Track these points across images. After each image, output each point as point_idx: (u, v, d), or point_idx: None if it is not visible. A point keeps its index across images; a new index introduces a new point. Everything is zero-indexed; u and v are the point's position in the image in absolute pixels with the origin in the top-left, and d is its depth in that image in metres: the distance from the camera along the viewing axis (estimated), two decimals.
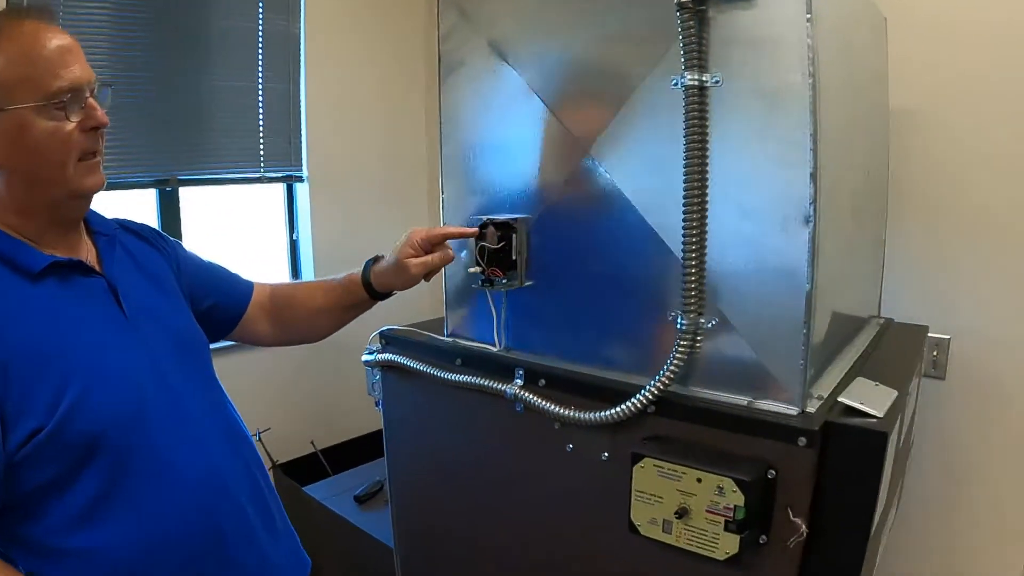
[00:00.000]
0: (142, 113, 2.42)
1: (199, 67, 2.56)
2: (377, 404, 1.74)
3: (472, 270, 1.35)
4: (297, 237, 3.01)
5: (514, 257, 1.35)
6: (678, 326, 1.17)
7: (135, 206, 2.54)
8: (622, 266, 1.28)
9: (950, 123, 1.96)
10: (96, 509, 0.91)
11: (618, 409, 1.21)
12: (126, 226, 1.20)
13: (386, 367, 1.63)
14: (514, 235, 1.34)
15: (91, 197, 1.02)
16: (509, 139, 1.39)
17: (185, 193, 2.66)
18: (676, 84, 1.14)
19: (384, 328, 1.66)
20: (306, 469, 2.64)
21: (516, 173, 1.39)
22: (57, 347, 0.90)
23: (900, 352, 1.62)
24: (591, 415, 1.24)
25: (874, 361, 1.47)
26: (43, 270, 0.93)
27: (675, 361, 1.17)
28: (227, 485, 1.04)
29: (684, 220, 1.14)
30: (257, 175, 2.79)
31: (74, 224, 1.03)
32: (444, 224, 1.52)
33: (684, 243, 1.15)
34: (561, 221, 1.34)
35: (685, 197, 1.13)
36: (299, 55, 2.82)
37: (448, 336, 1.58)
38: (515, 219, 1.35)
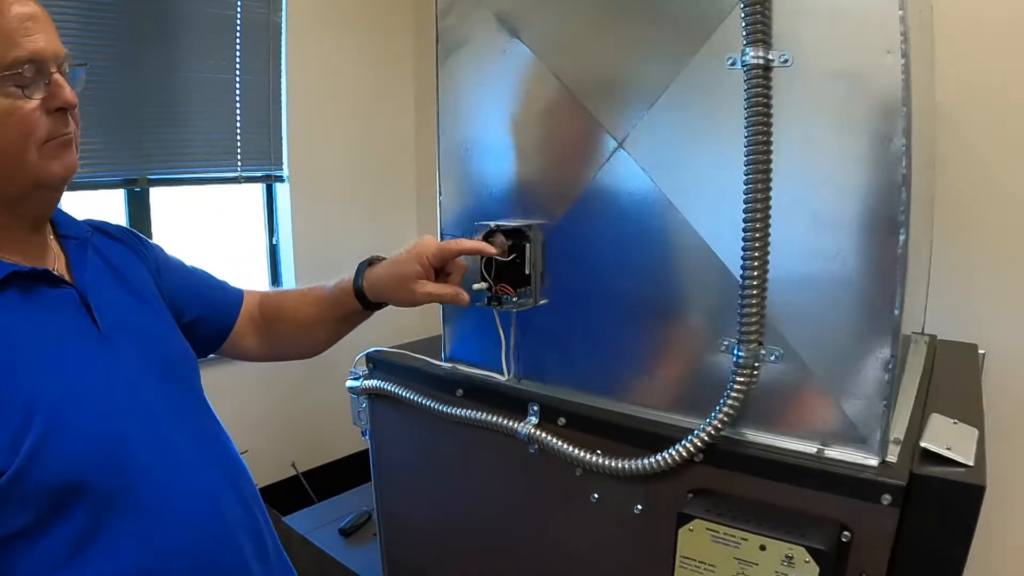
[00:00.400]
0: (109, 105, 2.24)
1: (172, 56, 2.39)
2: (364, 434, 1.50)
3: (477, 286, 1.12)
4: (277, 242, 2.79)
5: (527, 271, 1.12)
6: (735, 358, 0.96)
7: (101, 208, 2.36)
8: (661, 283, 1.06)
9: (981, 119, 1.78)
10: (73, 561, 0.78)
11: (659, 458, 0.99)
12: (100, 228, 1.02)
13: (374, 395, 1.39)
14: (528, 244, 1.12)
15: (60, 188, 0.87)
16: (521, 130, 1.17)
17: (156, 194, 2.49)
18: (733, 63, 0.93)
19: (371, 350, 1.43)
20: (287, 494, 2.41)
21: (529, 171, 1.16)
22: (18, 373, 0.77)
23: (959, 377, 1.43)
24: (624, 463, 1.02)
25: (937, 389, 1.28)
26: (1, 281, 0.80)
27: (730, 400, 0.96)
28: (226, 526, 0.91)
29: (745, 228, 0.92)
30: (234, 174, 2.62)
31: (39, 225, 0.89)
32: (442, 233, 1.28)
33: (744, 256, 0.93)
34: (585, 228, 1.12)
35: (746, 201, 0.91)
36: (280, 45, 2.66)
37: (446, 361, 1.35)
38: (528, 226, 1.13)
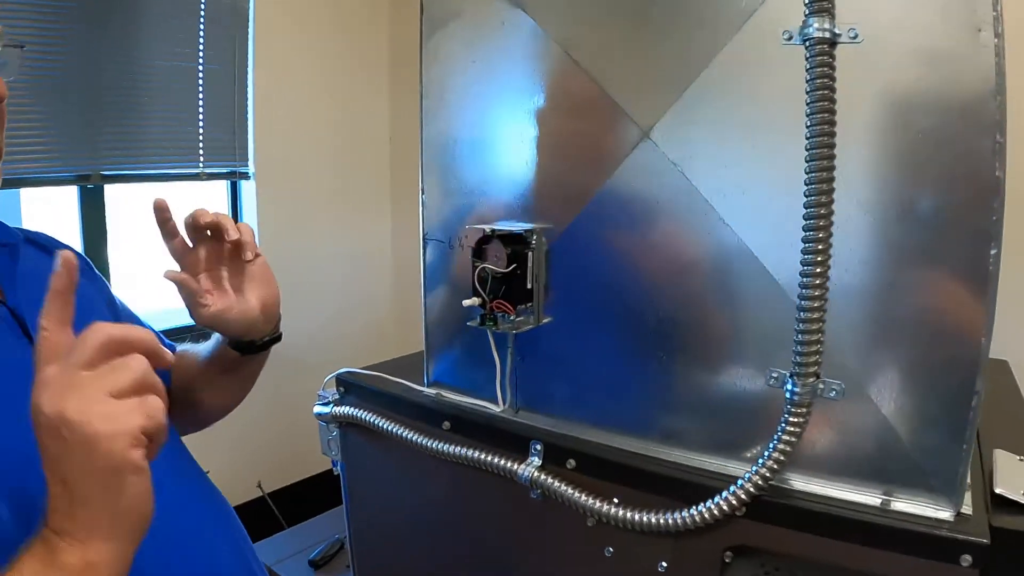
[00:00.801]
0: (60, 94, 2.02)
1: (130, 42, 2.16)
2: (335, 465, 1.30)
3: (468, 303, 0.94)
4: None
5: (529, 285, 0.93)
6: (788, 393, 0.80)
7: (51, 206, 2.15)
8: (695, 301, 0.90)
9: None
10: None
11: (694, 512, 0.82)
12: (34, 240, 0.82)
13: (345, 423, 1.19)
14: (530, 253, 0.93)
15: None
16: (522, 118, 0.98)
17: (112, 191, 2.27)
18: (790, 38, 0.76)
19: (342, 371, 1.23)
20: (253, 518, 2.19)
21: (532, 166, 0.98)
22: None
23: (1002, 400, 1.26)
24: (651, 517, 0.85)
25: (984, 416, 1.10)
26: None
27: (781, 445, 0.80)
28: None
29: (807, 237, 0.76)
30: (196, 171, 2.41)
31: None
32: (425, 238, 1.09)
33: (804, 271, 0.77)
34: (600, 233, 0.94)
35: (809, 204, 0.75)
36: (247, 32, 2.44)
37: (429, 386, 1.16)
38: (530, 231, 0.94)
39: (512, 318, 0.96)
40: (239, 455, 2.45)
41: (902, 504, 0.79)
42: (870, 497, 0.80)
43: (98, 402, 0.46)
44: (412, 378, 1.18)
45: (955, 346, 0.76)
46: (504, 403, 1.04)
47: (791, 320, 0.80)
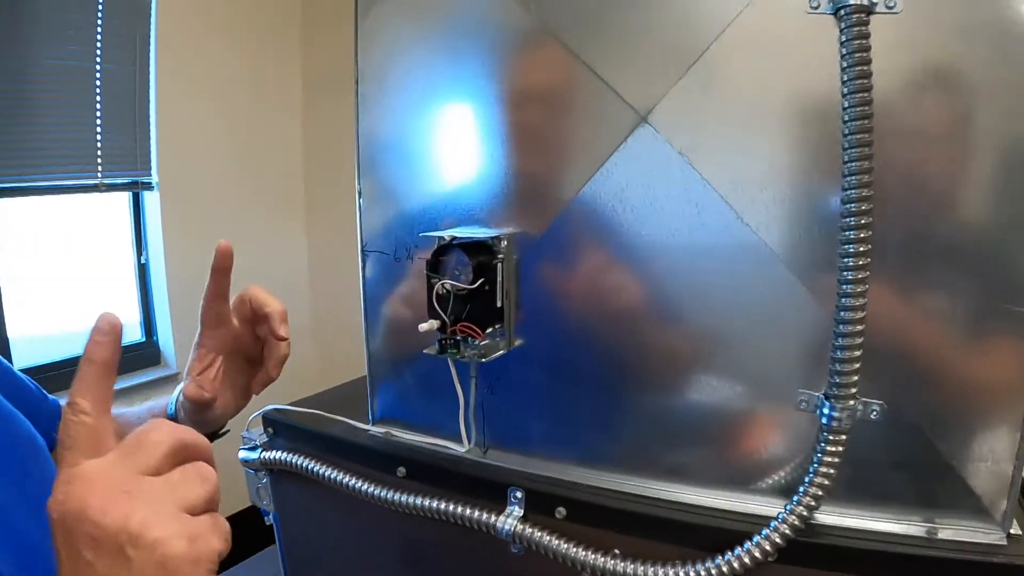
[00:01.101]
0: None
1: (17, 38, 1.95)
2: (265, 515, 1.11)
3: (425, 327, 0.76)
4: (147, 260, 2.31)
5: (499, 303, 0.77)
6: (824, 419, 0.68)
7: None
8: (705, 315, 0.75)
9: None
10: None
11: (721, 563, 0.69)
12: None
13: (277, 470, 1.00)
14: (500, 265, 0.77)
15: None
16: (484, 103, 0.81)
17: None
18: (818, 7, 0.63)
19: (268, 408, 1.03)
20: None
21: (497, 160, 0.82)
22: None
23: None
24: (666, 571, 0.69)
25: None
26: None
27: (819, 477, 0.68)
28: None
29: (845, 239, 0.62)
30: (94, 182, 2.20)
31: None
32: (364, 251, 0.91)
33: (843, 279, 0.64)
34: (584, 239, 0.79)
35: (848, 200, 0.61)
36: (149, 28, 2.24)
37: (375, 423, 0.98)
38: (498, 238, 0.77)
39: (477, 343, 0.79)
40: None
41: (949, 531, 0.69)
42: (912, 527, 0.70)
43: (174, 518, 0.39)
44: (353, 415, 1.00)
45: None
46: (470, 442, 0.87)
47: (823, 335, 0.68)
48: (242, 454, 1.05)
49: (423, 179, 0.86)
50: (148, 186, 2.32)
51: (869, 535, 0.69)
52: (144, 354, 2.38)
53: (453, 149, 0.83)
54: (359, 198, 0.92)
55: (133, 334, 2.40)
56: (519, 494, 0.80)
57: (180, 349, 2.34)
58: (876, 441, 0.70)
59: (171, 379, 2.32)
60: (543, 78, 0.77)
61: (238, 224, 2.51)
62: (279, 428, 1.03)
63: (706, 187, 0.70)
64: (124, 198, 2.36)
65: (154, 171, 2.30)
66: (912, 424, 0.68)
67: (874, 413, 0.68)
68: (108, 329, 0.42)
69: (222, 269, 0.63)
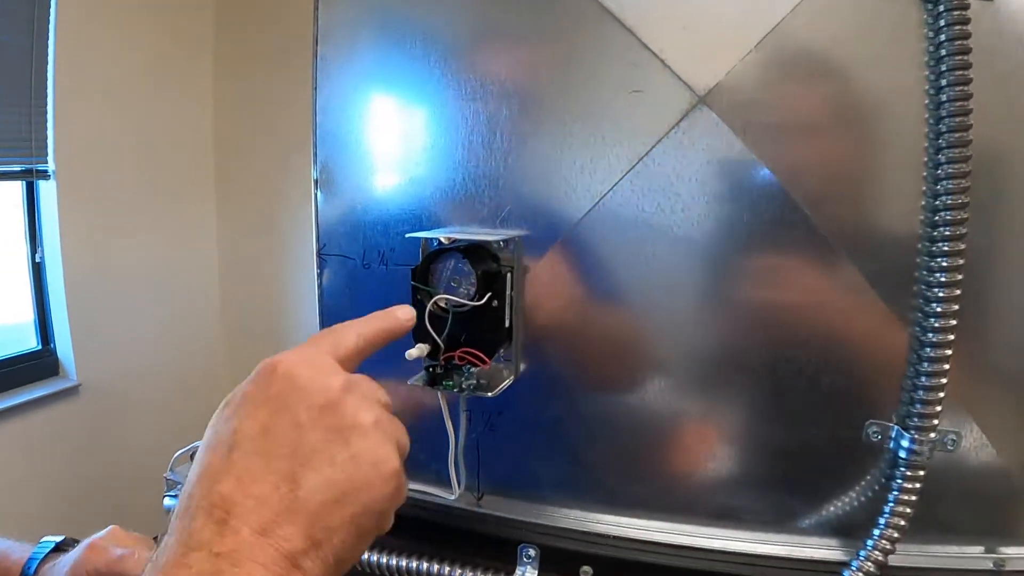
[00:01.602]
0: None
1: None
2: None
3: (415, 354, 0.58)
4: (42, 258, 2.02)
5: (508, 322, 0.60)
6: (903, 452, 0.59)
7: None
8: (763, 334, 0.62)
9: None
10: None
11: None
12: None
13: None
14: (509, 275, 0.60)
15: None
16: (491, 71, 0.64)
17: None
18: None
19: (196, 444, 0.82)
20: None
21: (504, 144, 0.63)
22: None
23: None
24: None
25: None
26: None
27: (895, 518, 0.59)
28: None
29: (939, 250, 0.52)
30: None
31: None
32: (320, 253, 0.73)
33: (936, 296, 0.55)
34: (617, 241, 0.63)
35: (946, 206, 0.48)
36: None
37: None
38: (507, 241, 0.60)
39: (472, 370, 0.62)
40: (60, 531, 1.90)
41: (1019, 562, 0.62)
42: (978, 560, 0.63)
43: (396, 450, 0.40)
44: None
45: None
46: (459, 487, 0.70)
47: (899, 358, 0.58)
48: (167, 502, 0.84)
49: (404, 164, 0.67)
50: (44, 174, 2.05)
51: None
52: (40, 364, 2.08)
53: (446, 125, 0.65)
54: (316, 189, 0.72)
55: (27, 341, 2.09)
56: (532, 552, 0.64)
57: (80, 358, 2.05)
58: (946, 470, 0.61)
59: (71, 392, 2.03)
60: (572, 47, 0.61)
61: (145, 215, 2.24)
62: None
63: (770, 182, 0.56)
64: (16, 188, 2.06)
65: (51, 158, 2.04)
66: (987, 449, 0.58)
67: (951, 443, 0.59)
68: (402, 319, 0.48)
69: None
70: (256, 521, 0.32)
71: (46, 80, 2.02)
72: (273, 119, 2.26)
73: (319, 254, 0.74)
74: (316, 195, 0.72)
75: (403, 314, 0.47)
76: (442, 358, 0.61)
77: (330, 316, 0.75)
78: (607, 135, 0.60)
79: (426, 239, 0.62)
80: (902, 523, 0.58)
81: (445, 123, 0.65)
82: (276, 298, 2.38)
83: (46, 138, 2.03)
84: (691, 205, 0.59)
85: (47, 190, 2.04)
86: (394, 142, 0.68)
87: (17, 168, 2.01)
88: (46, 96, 2.03)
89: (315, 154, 0.71)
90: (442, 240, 0.59)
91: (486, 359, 0.59)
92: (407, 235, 0.62)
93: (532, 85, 0.62)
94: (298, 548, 0.33)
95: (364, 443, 0.37)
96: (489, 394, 0.60)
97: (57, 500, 1.97)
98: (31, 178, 2.05)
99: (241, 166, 2.39)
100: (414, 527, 0.69)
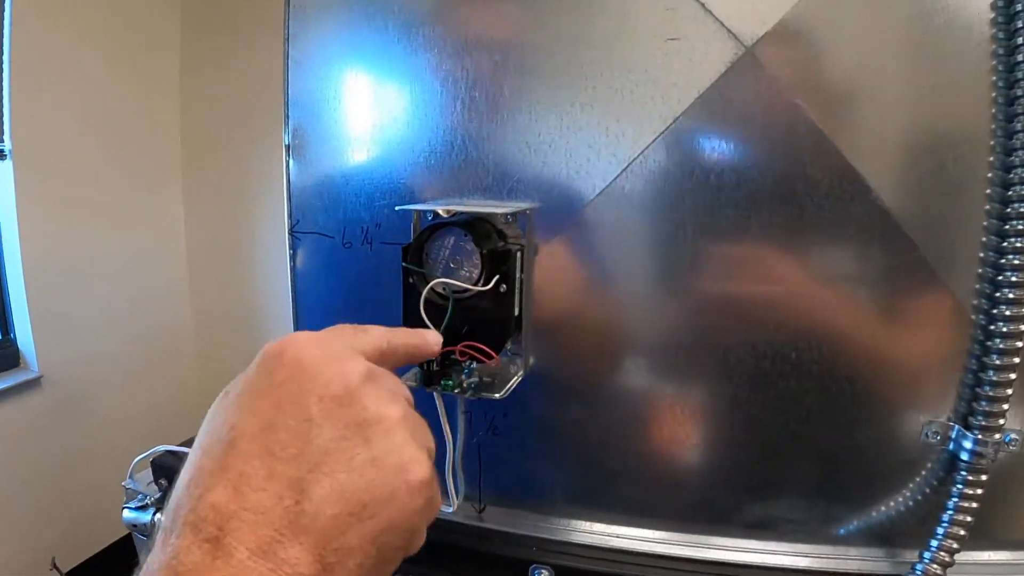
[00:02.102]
0: None
1: None
2: None
3: None
4: None
5: (517, 310, 0.50)
6: (965, 454, 0.51)
7: None
8: (810, 321, 0.52)
9: None
10: None
11: None
12: None
13: None
14: (520, 255, 0.49)
15: None
16: (494, 15, 0.53)
17: None
18: None
19: (159, 449, 0.73)
20: None
21: (515, 90, 0.53)
22: None
23: None
24: None
25: None
26: None
27: (954, 526, 0.52)
28: None
29: (1013, 231, 0.40)
30: None
31: None
32: (292, 231, 0.63)
33: (1004, 281, 0.46)
34: (647, 212, 0.52)
35: (1016, 172, 0.39)
36: None
37: None
38: (514, 216, 0.50)
39: (472, 367, 0.52)
40: (23, 532, 1.79)
41: None
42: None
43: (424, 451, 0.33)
44: None
45: None
46: (457, 498, 0.60)
47: (960, 352, 0.51)
48: (127, 515, 0.73)
49: (391, 125, 0.56)
50: (0, 154, 1.86)
51: None
52: (0, 355, 1.93)
53: (443, 77, 0.54)
54: (287, 156, 0.61)
55: None
56: (545, 574, 0.54)
57: (42, 348, 1.91)
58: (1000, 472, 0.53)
59: (33, 384, 1.89)
60: None
61: (105, 193, 2.08)
62: (176, 479, 0.72)
63: (826, 144, 0.46)
64: None
65: (6, 136, 1.86)
66: None
67: (1014, 443, 0.52)
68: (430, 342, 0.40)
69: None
70: (255, 540, 0.26)
71: (1, 54, 1.87)
72: (243, 94, 2.11)
73: (292, 232, 0.63)
74: (288, 163, 0.62)
75: (432, 338, 0.41)
76: (439, 358, 0.50)
77: (306, 302, 0.64)
78: (638, 90, 0.50)
79: (419, 212, 0.52)
80: (962, 532, 0.52)
81: (441, 75, 0.54)
82: (249, 284, 2.24)
83: (1, 116, 1.88)
84: (739, 169, 0.49)
85: (3, 171, 1.89)
86: (378, 99, 0.57)
87: None
88: (1, 71, 1.87)
89: (287, 115, 0.60)
90: (439, 213, 0.48)
91: (493, 354, 0.49)
92: (396, 208, 0.51)
93: (548, 31, 0.51)
94: (306, 574, 0.26)
95: (388, 443, 0.30)
96: (497, 395, 0.50)
97: (19, 496, 1.84)
98: None
99: (209, 144, 2.24)
100: None
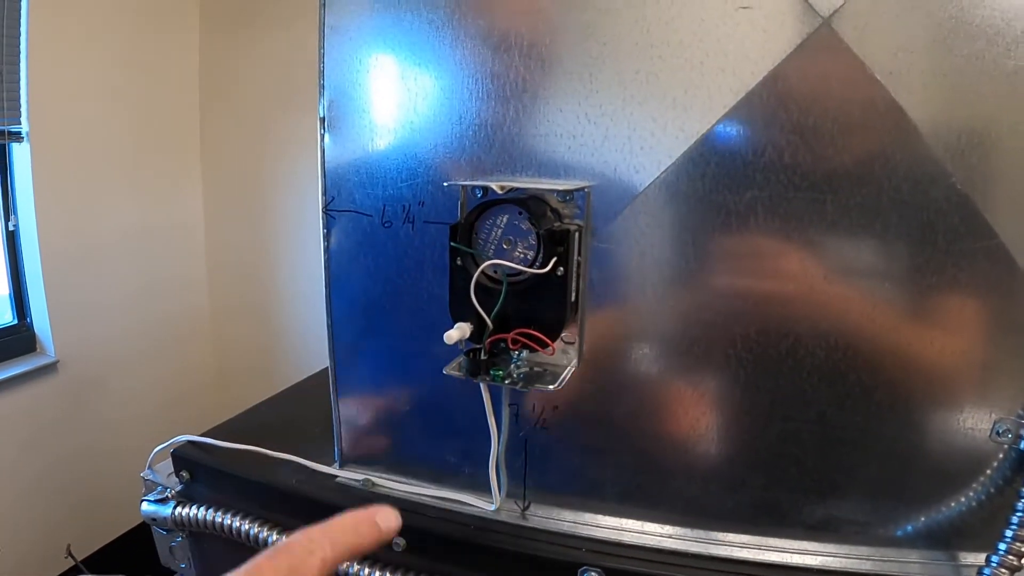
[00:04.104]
0: None
1: None
2: None
3: (456, 336, 0.44)
4: (16, 227, 1.83)
5: (574, 296, 0.46)
6: None
7: None
8: (877, 314, 0.49)
9: None
10: None
11: None
12: None
13: (198, 532, 0.66)
14: (578, 236, 0.45)
15: None
16: None
17: None
18: None
19: (180, 439, 0.69)
20: None
21: (575, 56, 0.48)
22: None
23: None
24: None
25: None
26: None
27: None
28: None
29: None
30: None
31: None
32: (327, 210, 0.58)
33: None
34: (710, 193, 0.47)
35: None
36: None
37: (344, 467, 0.64)
38: (571, 193, 0.46)
39: (522, 356, 0.48)
40: (38, 519, 1.76)
41: None
42: None
43: None
44: (305, 451, 0.66)
45: None
46: (501, 495, 0.56)
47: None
48: (146, 507, 0.70)
49: (438, 95, 0.52)
50: (17, 136, 1.84)
51: None
52: (17, 339, 1.90)
53: (495, 43, 0.50)
54: (322, 129, 0.57)
55: (3, 315, 1.91)
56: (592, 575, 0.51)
57: (58, 333, 1.88)
58: None
59: (49, 368, 1.86)
60: None
61: (123, 178, 2.04)
62: (198, 471, 0.68)
63: (908, 127, 0.42)
64: None
65: (24, 119, 1.82)
66: None
67: None
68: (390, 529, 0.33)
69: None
70: None
71: (19, 34, 1.83)
72: (264, 76, 2.07)
73: (326, 210, 0.59)
74: (323, 137, 0.58)
75: (385, 521, 0.34)
76: (487, 341, 0.46)
77: (340, 286, 0.60)
78: (707, 61, 0.46)
79: (468, 189, 0.48)
80: None
81: (494, 39, 0.49)
82: (267, 269, 2.20)
83: (19, 97, 1.83)
84: (814, 148, 0.45)
85: (20, 153, 1.85)
86: (422, 65, 0.53)
87: None
88: (19, 52, 1.83)
89: (322, 86, 0.56)
90: (494, 189, 0.44)
91: (549, 342, 0.45)
92: (445, 184, 0.47)
93: None
94: None
95: None
96: (551, 386, 0.46)
97: (34, 482, 1.82)
98: (3, 140, 1.85)
99: (228, 130, 2.20)
100: (441, 544, 0.56)
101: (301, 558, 0.30)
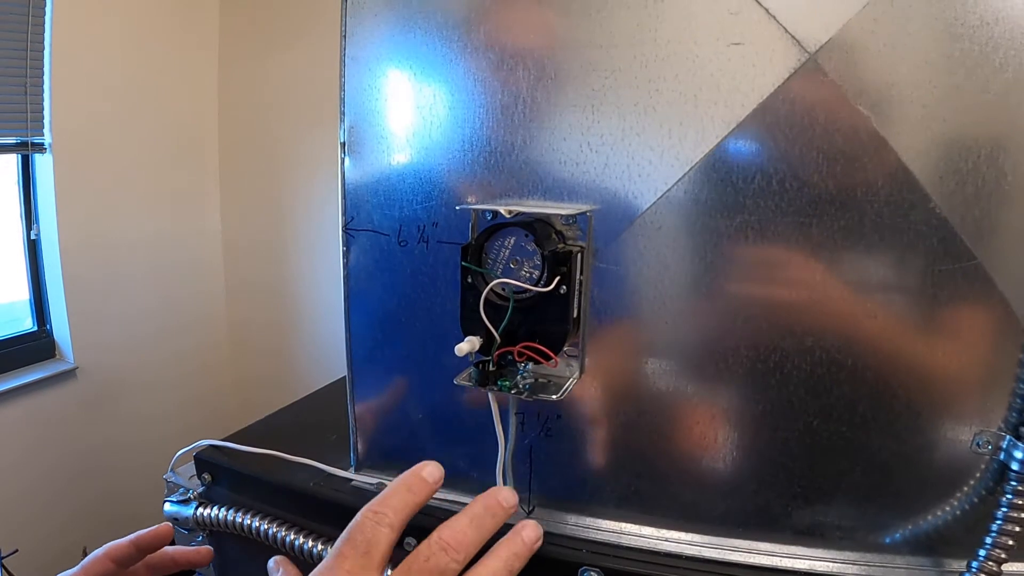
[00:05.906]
0: None
1: None
2: None
3: (464, 349, 0.48)
4: (38, 235, 1.89)
5: (576, 311, 0.49)
6: (1016, 464, 0.50)
7: None
8: (867, 330, 0.52)
9: None
10: None
11: None
12: None
13: (219, 532, 0.70)
14: (580, 257, 0.49)
15: None
16: (562, 9, 0.52)
17: None
18: None
19: (202, 443, 0.73)
20: None
21: (579, 88, 0.52)
22: None
23: None
24: None
25: None
26: None
27: (1003, 537, 0.50)
28: None
29: None
30: None
31: None
32: (346, 228, 0.62)
33: None
34: (704, 218, 0.51)
35: None
36: None
37: (360, 471, 0.68)
38: (574, 218, 0.50)
39: (528, 368, 0.51)
40: (55, 519, 1.80)
41: None
42: None
43: None
44: (322, 455, 0.70)
45: None
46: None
47: (1012, 361, 0.50)
48: (169, 508, 0.74)
49: (452, 122, 0.56)
50: (40, 147, 1.91)
51: None
52: (36, 346, 1.95)
53: (504, 77, 0.54)
54: (342, 153, 0.61)
55: (23, 322, 1.97)
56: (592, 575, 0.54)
57: (78, 339, 1.93)
58: None
59: (68, 375, 1.91)
60: None
61: (144, 190, 2.10)
62: (219, 474, 0.72)
63: (891, 157, 0.46)
64: (11, 161, 1.92)
65: (47, 130, 1.89)
66: None
67: None
68: (436, 479, 0.39)
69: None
70: None
71: (42, 49, 1.89)
72: (281, 87, 2.12)
73: (346, 229, 0.63)
74: (343, 161, 0.61)
75: (431, 475, 0.40)
76: (495, 354, 0.50)
77: (357, 301, 0.64)
78: (701, 94, 0.49)
79: (479, 212, 0.52)
80: (1010, 542, 0.50)
81: (502, 74, 0.53)
82: (285, 279, 2.24)
83: (42, 109, 1.89)
84: (800, 175, 0.48)
85: (43, 164, 1.91)
86: (436, 96, 0.57)
87: (12, 140, 1.86)
88: (42, 66, 1.89)
89: (342, 112, 0.60)
90: (502, 212, 0.48)
91: (552, 355, 0.49)
92: (457, 207, 0.51)
93: (611, 31, 0.51)
94: None
95: None
96: (554, 396, 0.50)
97: (53, 487, 1.86)
98: (26, 151, 1.91)
99: (247, 140, 2.25)
100: None
101: (372, 531, 0.34)
